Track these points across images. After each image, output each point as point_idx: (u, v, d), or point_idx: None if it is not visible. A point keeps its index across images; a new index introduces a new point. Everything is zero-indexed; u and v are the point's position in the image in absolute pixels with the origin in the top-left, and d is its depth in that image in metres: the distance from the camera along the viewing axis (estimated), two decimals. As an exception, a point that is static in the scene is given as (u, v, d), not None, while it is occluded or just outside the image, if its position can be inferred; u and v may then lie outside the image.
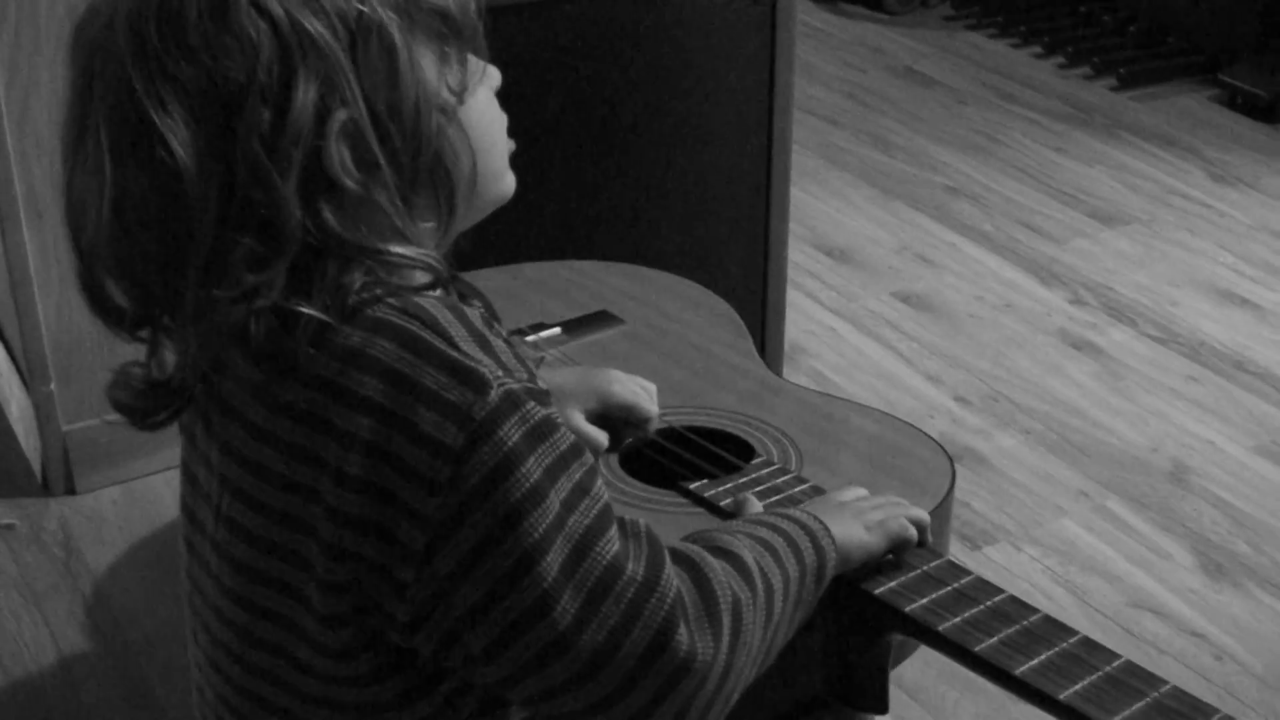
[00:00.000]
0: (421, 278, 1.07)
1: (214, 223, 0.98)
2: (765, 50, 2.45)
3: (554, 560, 1.00)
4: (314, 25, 0.98)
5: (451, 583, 1.00)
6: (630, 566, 1.03)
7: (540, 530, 1.00)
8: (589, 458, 1.05)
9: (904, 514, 1.33)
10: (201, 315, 1.01)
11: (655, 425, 1.59)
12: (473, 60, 1.08)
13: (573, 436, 1.04)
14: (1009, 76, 4.25)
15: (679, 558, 1.09)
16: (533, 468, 1.00)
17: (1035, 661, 1.18)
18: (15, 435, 2.60)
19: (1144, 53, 4.24)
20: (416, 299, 1.04)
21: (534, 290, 1.94)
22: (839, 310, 3.04)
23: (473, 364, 1.00)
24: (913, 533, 1.32)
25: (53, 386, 2.41)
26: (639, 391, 1.58)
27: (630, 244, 2.35)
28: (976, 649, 1.20)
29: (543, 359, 1.69)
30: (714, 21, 2.39)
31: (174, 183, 0.98)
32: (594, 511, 1.03)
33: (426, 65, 1.04)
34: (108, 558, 2.33)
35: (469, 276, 1.91)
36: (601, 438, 1.53)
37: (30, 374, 2.42)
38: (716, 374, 1.73)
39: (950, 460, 1.56)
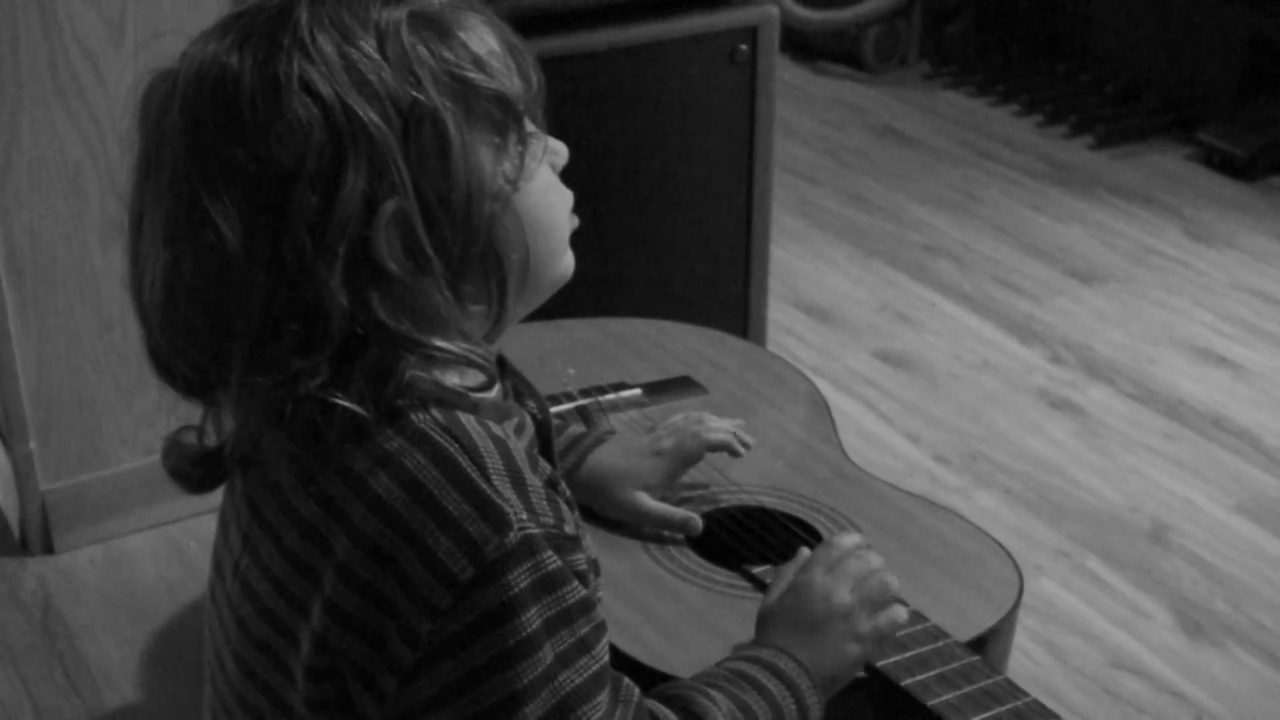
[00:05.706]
0: (472, 374, 1.06)
1: (260, 307, 0.97)
2: (745, 109, 2.46)
3: (533, 712, 0.99)
4: (366, 112, 0.96)
5: (432, 706, 1.00)
6: None
7: (527, 680, 0.99)
8: (599, 615, 1.04)
9: (892, 589, 1.30)
10: (244, 397, 1.01)
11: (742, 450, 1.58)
12: (534, 138, 1.06)
13: (584, 591, 1.03)
14: (987, 135, 4.27)
15: None
16: (533, 617, 0.99)
17: None
18: (-7, 493, 2.60)
19: (1121, 111, 4.27)
20: (463, 419, 1.02)
21: (618, 346, 1.95)
22: (818, 369, 3.05)
23: (499, 501, 0.99)
24: (903, 615, 1.30)
25: (32, 445, 2.40)
26: (726, 433, 1.58)
27: (611, 302, 2.35)
28: None
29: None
30: (694, 80, 2.40)
31: (222, 265, 0.97)
32: (589, 672, 1.02)
33: (481, 153, 1.02)
34: (85, 618, 2.32)
35: (555, 327, 1.93)
36: (695, 521, 1.52)
37: (9, 432, 2.41)
38: (793, 455, 1.72)
39: (1019, 572, 1.53)
